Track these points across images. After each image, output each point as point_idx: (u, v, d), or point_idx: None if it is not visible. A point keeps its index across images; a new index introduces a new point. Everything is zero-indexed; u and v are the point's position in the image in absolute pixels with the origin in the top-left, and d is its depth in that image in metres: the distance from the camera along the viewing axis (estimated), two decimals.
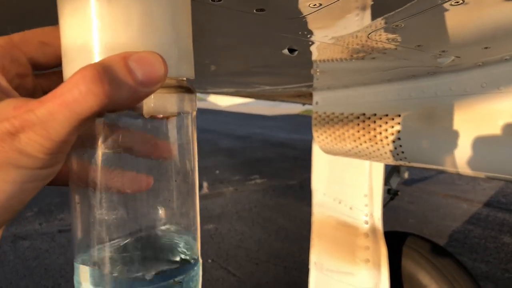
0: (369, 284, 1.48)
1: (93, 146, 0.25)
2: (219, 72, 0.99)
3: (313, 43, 0.61)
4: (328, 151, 1.18)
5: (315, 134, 1.15)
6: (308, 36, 0.57)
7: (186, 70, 0.27)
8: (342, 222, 1.51)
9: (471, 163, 0.76)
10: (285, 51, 0.65)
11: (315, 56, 0.69)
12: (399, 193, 1.56)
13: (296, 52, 0.65)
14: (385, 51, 0.64)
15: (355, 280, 1.51)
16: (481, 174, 0.75)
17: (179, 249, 0.27)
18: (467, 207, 4.08)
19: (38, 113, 0.21)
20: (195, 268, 0.28)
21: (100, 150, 0.25)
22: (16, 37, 0.28)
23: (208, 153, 6.65)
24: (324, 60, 0.72)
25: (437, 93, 0.81)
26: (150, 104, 0.25)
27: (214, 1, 0.45)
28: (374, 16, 0.49)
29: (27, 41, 0.28)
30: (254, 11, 0.48)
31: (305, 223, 1.64)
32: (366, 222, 1.44)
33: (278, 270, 2.86)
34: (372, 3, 0.46)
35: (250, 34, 0.58)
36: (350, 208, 1.46)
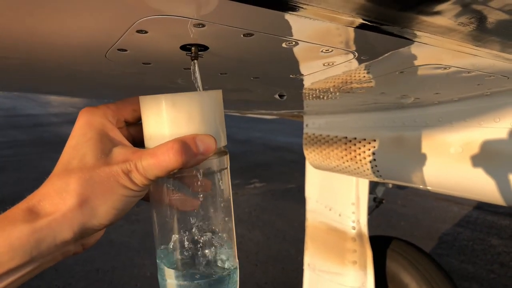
0: (356, 283, 1.63)
1: (166, 182, 0.43)
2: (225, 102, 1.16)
3: (299, 92, 0.77)
4: (317, 167, 1.34)
5: (306, 152, 1.32)
6: (294, 89, 0.74)
7: (223, 142, 0.45)
8: (332, 227, 1.66)
9: (430, 181, 0.92)
10: (276, 96, 0.82)
11: (302, 97, 0.85)
12: (383, 201, 1.72)
13: (285, 97, 0.82)
14: (356, 95, 0.81)
15: (344, 279, 1.66)
16: (438, 191, 0.91)
17: (224, 251, 0.45)
18: (458, 210, 4.24)
19: (144, 163, 0.38)
20: (236, 271, 0.45)
21: (169, 184, 0.43)
22: (118, 104, 0.45)
23: None
24: (308, 99, 0.88)
25: (405, 123, 0.97)
26: (206, 163, 0.42)
27: (222, 74, 0.61)
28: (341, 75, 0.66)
29: (125, 107, 0.45)
30: (252, 78, 0.64)
31: (303, 226, 1.79)
32: (354, 228, 1.59)
33: (276, 271, 3.02)
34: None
35: (250, 87, 0.75)
36: (339, 215, 1.61)
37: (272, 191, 5.04)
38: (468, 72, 0.64)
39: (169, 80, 0.72)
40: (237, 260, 0.47)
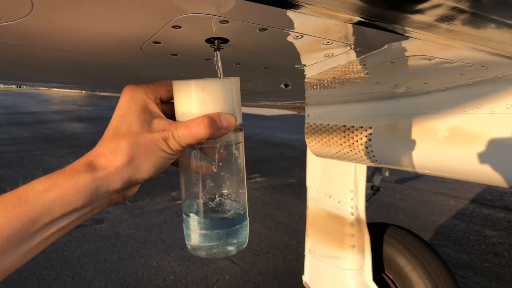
0: (355, 266, 1.72)
1: (193, 150, 0.53)
2: None
3: (302, 81, 0.87)
4: (318, 154, 1.43)
5: (307, 140, 1.41)
6: (298, 78, 0.83)
7: (240, 120, 0.54)
8: (331, 213, 1.75)
9: (420, 164, 1.02)
10: (282, 86, 0.91)
11: (304, 87, 0.95)
12: (381, 189, 1.82)
13: (289, 87, 0.91)
14: (353, 85, 0.90)
15: (343, 263, 1.75)
16: (428, 173, 1.01)
17: (238, 208, 0.55)
18: (454, 204, 4.34)
19: (179, 132, 0.48)
20: (246, 220, 0.56)
21: (196, 152, 0.54)
22: (156, 84, 0.54)
23: None
24: (310, 89, 0.98)
25: (398, 111, 1.06)
26: (225, 137, 0.52)
27: (236, 64, 0.71)
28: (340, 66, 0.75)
29: (161, 87, 0.54)
30: (262, 68, 0.74)
31: (303, 218, 1.87)
32: (352, 214, 1.69)
33: (277, 260, 3.12)
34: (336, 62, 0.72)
35: (259, 77, 0.84)
36: (339, 202, 1.70)
37: (273, 185, 5.14)
38: (451, 63, 0.73)
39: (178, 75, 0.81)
40: (248, 217, 0.57)
